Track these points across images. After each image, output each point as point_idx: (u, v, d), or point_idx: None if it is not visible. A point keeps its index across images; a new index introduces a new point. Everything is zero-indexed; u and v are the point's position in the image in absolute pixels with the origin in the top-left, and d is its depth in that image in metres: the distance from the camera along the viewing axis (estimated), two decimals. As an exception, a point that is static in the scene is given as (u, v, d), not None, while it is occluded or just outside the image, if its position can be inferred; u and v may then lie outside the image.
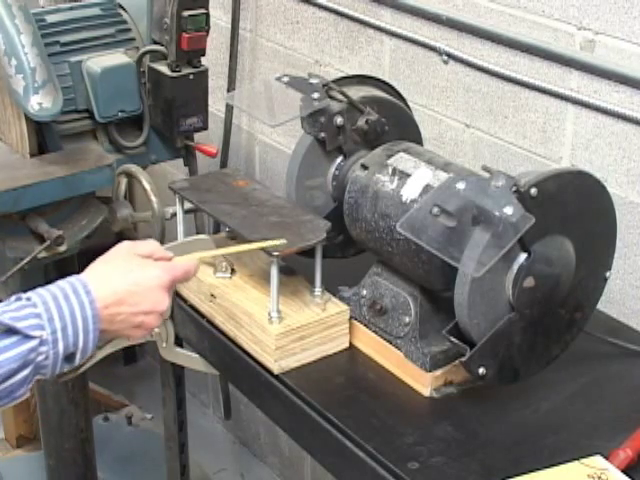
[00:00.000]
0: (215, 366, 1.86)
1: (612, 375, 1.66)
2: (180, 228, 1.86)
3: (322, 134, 1.71)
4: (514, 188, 1.40)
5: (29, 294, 1.30)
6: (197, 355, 1.90)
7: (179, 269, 1.41)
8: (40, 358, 1.26)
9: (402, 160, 1.64)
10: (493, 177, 1.41)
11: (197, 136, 2.29)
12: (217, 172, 2.14)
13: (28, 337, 1.25)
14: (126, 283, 1.35)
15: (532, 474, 1.37)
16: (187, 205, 1.84)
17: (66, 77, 2.08)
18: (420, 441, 1.48)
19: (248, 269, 1.80)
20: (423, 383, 1.59)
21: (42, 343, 1.26)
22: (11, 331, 1.25)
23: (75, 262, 2.29)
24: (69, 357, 1.30)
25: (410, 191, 1.59)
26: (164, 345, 1.91)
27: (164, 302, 1.38)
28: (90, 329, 1.30)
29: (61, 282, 1.32)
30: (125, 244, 1.42)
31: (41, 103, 1.90)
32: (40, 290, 1.30)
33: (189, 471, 2.17)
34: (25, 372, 1.26)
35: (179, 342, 1.93)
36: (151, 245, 1.43)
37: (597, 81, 1.84)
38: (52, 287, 1.31)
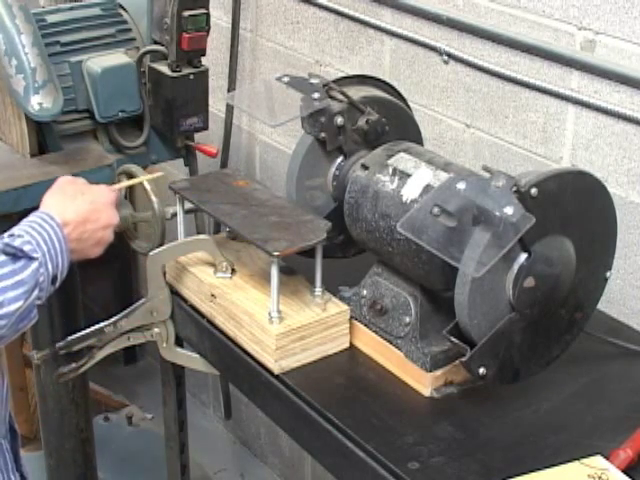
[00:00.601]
0: (215, 366, 1.86)
1: (612, 375, 1.66)
2: (180, 228, 1.86)
3: (322, 134, 1.71)
4: (514, 188, 1.40)
5: (10, 231, 1.43)
6: (197, 355, 1.90)
7: (113, 188, 1.66)
8: (42, 279, 1.42)
9: (402, 160, 1.64)
10: (493, 177, 1.41)
11: (197, 136, 2.29)
12: (217, 172, 2.14)
13: (32, 259, 1.40)
14: (85, 203, 1.53)
15: (532, 474, 1.38)
16: (187, 205, 1.84)
17: (66, 77, 2.08)
18: (420, 441, 1.48)
19: (248, 269, 1.80)
20: (423, 383, 1.59)
21: (40, 264, 1.40)
22: (16, 256, 1.39)
23: (75, 262, 2.29)
24: (53, 279, 1.45)
25: (410, 191, 1.59)
26: (164, 345, 1.91)
27: (116, 216, 1.60)
28: (64, 249, 1.46)
29: (28, 218, 1.48)
30: (63, 177, 1.61)
31: (41, 103, 1.90)
32: (16, 227, 1.45)
33: (189, 471, 2.17)
34: (36, 292, 1.41)
35: (179, 342, 1.93)
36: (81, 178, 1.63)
37: (597, 81, 1.84)
38: (24, 223, 1.46)
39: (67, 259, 1.47)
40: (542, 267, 1.45)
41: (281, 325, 1.63)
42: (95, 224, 1.54)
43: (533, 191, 1.40)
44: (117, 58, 2.13)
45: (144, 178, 1.84)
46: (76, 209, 1.51)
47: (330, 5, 2.41)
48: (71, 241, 1.49)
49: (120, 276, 3.65)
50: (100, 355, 1.89)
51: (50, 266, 1.43)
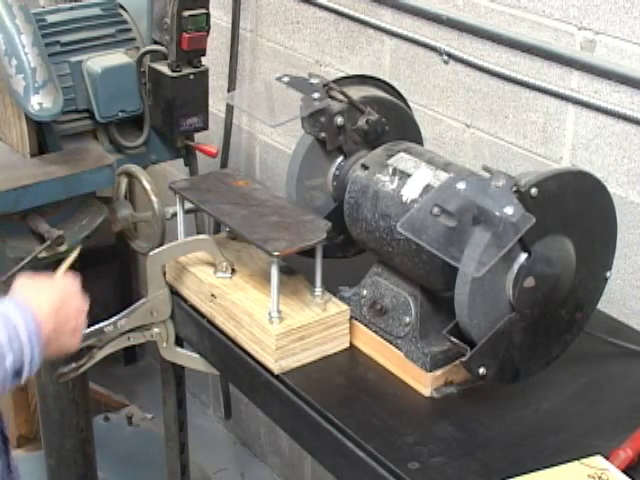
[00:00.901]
0: (215, 366, 1.86)
1: (612, 375, 1.66)
2: (180, 228, 1.86)
3: (322, 134, 1.71)
4: (514, 188, 1.40)
5: None
6: (197, 355, 1.90)
7: (73, 276, 1.54)
8: None
9: (402, 160, 1.64)
10: (493, 177, 1.41)
11: (197, 136, 2.29)
12: (217, 172, 2.14)
13: None
14: (56, 293, 1.45)
15: (532, 474, 1.38)
16: (187, 205, 1.84)
17: (66, 77, 2.08)
18: (420, 441, 1.48)
19: (248, 269, 1.80)
20: (423, 383, 1.59)
21: None
22: None
23: (75, 262, 2.29)
24: (18, 372, 1.34)
25: (410, 191, 1.59)
26: (164, 345, 1.91)
27: (84, 304, 1.51)
28: (34, 342, 1.35)
29: (3, 307, 1.37)
30: (24, 276, 1.50)
31: (41, 103, 1.90)
32: None
33: (189, 471, 2.17)
34: None
35: (179, 342, 1.93)
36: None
37: (597, 81, 1.84)
38: None
39: (39, 353, 1.36)
40: (542, 267, 1.45)
41: (281, 325, 1.63)
42: (69, 313, 1.45)
43: (533, 191, 1.40)
44: (117, 58, 2.13)
45: (71, 257, 1.77)
46: (49, 301, 1.42)
47: (330, 5, 2.41)
48: (45, 334, 1.38)
49: (120, 276, 3.65)
50: (100, 355, 1.89)
51: (10, 358, 1.32)
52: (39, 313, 1.38)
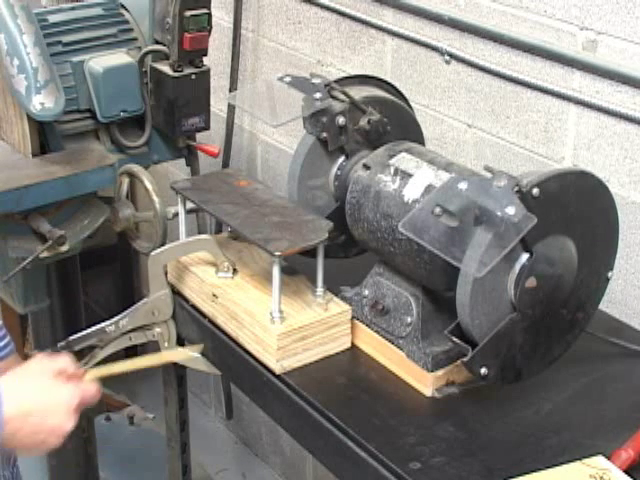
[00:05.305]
0: (217, 366, 1.86)
1: (614, 375, 1.66)
2: (182, 228, 1.86)
3: (324, 134, 1.71)
4: (516, 188, 1.40)
5: None
6: (199, 355, 1.90)
7: (88, 392, 1.44)
8: None
9: (404, 160, 1.64)
10: (495, 177, 1.41)
11: (199, 136, 2.30)
12: (219, 172, 2.14)
13: None
14: (34, 401, 1.37)
15: (534, 474, 1.37)
16: (189, 205, 1.84)
17: (68, 77, 2.08)
18: (422, 441, 1.48)
19: (250, 269, 1.80)
20: (425, 383, 1.59)
21: None
22: None
23: (77, 262, 2.30)
24: None
25: (412, 191, 1.59)
26: (166, 345, 1.91)
27: (68, 424, 1.39)
28: None
29: None
30: (40, 360, 1.44)
31: (43, 103, 1.90)
32: None
33: (191, 471, 2.17)
34: None
35: (181, 342, 1.93)
36: (64, 361, 1.46)
37: (599, 81, 1.84)
38: None
39: None
40: (544, 267, 1.45)
41: (283, 325, 1.63)
42: (36, 426, 1.36)
43: (535, 191, 1.40)
44: (119, 58, 2.13)
45: (108, 371, 1.58)
46: (22, 403, 1.35)
47: (332, 5, 2.41)
48: (3, 433, 1.32)
49: (122, 276, 3.65)
50: (101, 355, 1.89)
51: None
52: (4, 411, 1.31)
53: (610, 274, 1.58)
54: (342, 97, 1.72)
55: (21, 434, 1.35)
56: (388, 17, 2.26)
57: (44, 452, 1.41)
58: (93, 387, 1.46)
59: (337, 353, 1.69)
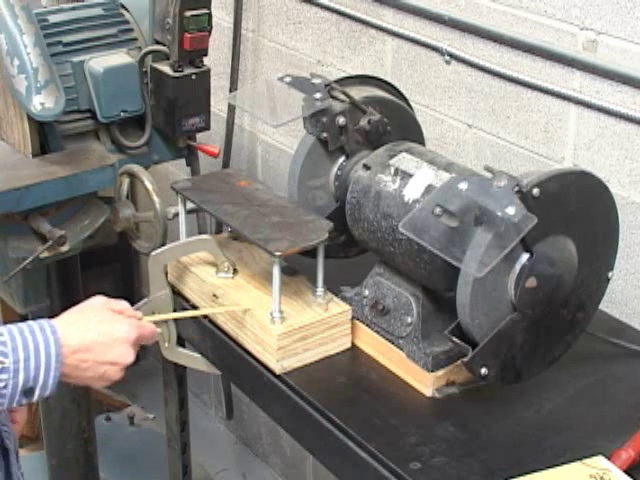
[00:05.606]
0: (217, 366, 1.86)
1: (614, 375, 1.66)
2: (182, 228, 1.86)
3: (324, 134, 1.71)
4: (516, 188, 1.40)
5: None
6: (199, 355, 1.90)
7: (147, 328, 1.50)
8: (1, 385, 1.29)
9: (404, 160, 1.64)
10: (495, 177, 1.41)
11: (199, 136, 2.30)
12: (219, 172, 2.14)
13: None
14: (96, 332, 1.40)
15: (534, 474, 1.37)
16: (189, 205, 1.84)
17: (68, 77, 2.08)
18: (422, 441, 1.48)
19: (250, 269, 1.80)
20: (425, 383, 1.59)
21: (3, 371, 1.29)
22: None
23: (77, 262, 2.30)
24: (28, 392, 1.32)
25: (412, 191, 1.59)
26: (166, 345, 1.91)
27: (129, 356, 1.43)
28: (52, 367, 1.33)
29: (31, 321, 1.35)
30: (99, 298, 1.48)
31: (43, 103, 1.90)
32: (10, 325, 1.33)
33: (191, 471, 2.17)
34: None
35: (181, 342, 1.93)
36: (123, 304, 1.50)
37: (599, 81, 1.84)
38: (21, 323, 1.35)
39: (54, 377, 1.34)
40: (544, 267, 1.45)
41: (283, 325, 1.63)
42: (99, 357, 1.39)
43: (535, 191, 1.40)
44: (119, 58, 2.13)
45: (172, 315, 1.82)
46: (84, 335, 1.39)
47: (332, 5, 2.41)
48: (66, 365, 1.36)
49: (122, 276, 3.65)
50: (102, 355, 1.89)
51: (22, 376, 1.30)
52: (66, 343, 1.35)
53: (610, 274, 1.58)
54: (342, 97, 1.72)
55: (84, 366, 1.39)
56: (388, 17, 2.26)
57: (105, 384, 1.44)
58: (151, 325, 1.52)
59: (337, 353, 1.69)
